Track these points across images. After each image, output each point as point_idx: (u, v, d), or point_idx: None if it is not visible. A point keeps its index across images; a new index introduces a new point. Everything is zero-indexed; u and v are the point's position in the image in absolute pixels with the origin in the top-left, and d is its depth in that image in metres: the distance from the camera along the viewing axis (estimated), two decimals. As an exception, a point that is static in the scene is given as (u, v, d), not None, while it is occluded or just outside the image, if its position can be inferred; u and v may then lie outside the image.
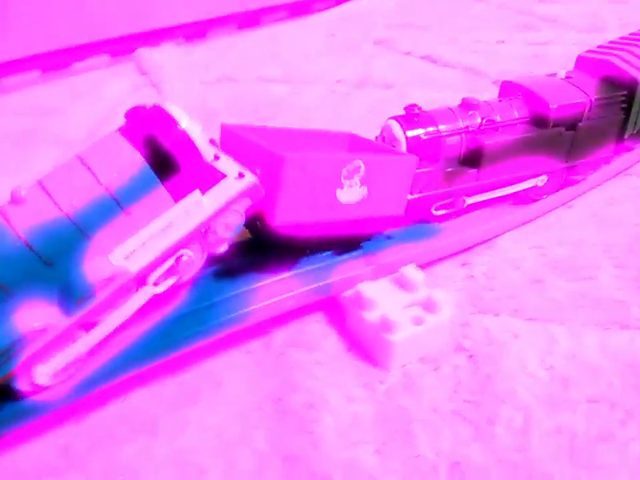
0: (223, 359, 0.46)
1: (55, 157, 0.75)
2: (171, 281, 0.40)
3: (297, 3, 1.36)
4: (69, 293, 0.36)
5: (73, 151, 0.78)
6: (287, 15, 1.36)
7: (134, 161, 0.37)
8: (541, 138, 0.56)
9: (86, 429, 0.41)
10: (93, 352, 0.38)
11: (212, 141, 0.43)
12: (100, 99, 0.89)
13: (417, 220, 0.54)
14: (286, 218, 0.44)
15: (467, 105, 0.55)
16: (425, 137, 0.52)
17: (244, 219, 0.42)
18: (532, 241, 0.57)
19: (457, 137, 0.54)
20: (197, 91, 0.90)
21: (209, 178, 0.41)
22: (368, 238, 0.51)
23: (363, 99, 0.88)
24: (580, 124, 0.57)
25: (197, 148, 0.39)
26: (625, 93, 0.59)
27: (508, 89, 0.60)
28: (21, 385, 0.36)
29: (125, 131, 0.39)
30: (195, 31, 1.25)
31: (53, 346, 0.36)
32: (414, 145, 0.52)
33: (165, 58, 1.01)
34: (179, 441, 0.40)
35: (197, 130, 0.40)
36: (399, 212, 0.51)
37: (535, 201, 0.59)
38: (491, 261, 0.54)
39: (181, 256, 0.40)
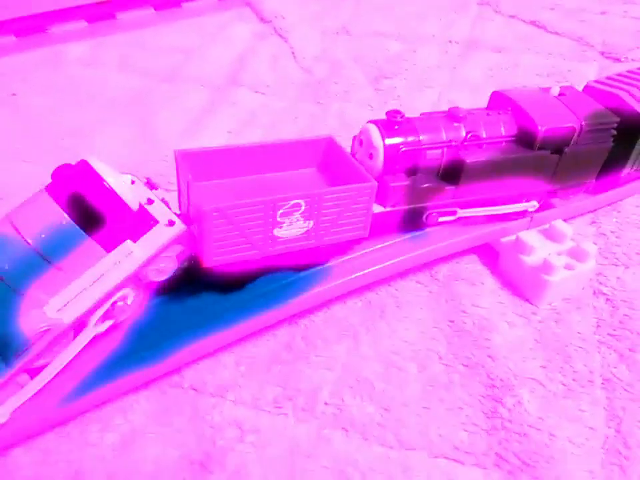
0: (398, 285, 0.55)
1: (203, 96, 0.83)
2: (108, 323, 0.43)
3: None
4: (7, 347, 0.39)
5: (215, 93, 0.86)
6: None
7: (59, 219, 0.39)
8: (526, 160, 0.53)
9: (303, 331, 0.51)
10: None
11: (149, 182, 0.45)
12: (229, 43, 0.96)
13: (390, 232, 0.53)
14: (217, 260, 0.44)
15: (452, 116, 0.52)
16: (404, 149, 0.49)
17: (177, 263, 0.44)
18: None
19: (439, 151, 0.51)
20: (319, 42, 0.96)
21: (141, 223, 0.43)
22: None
23: (476, 62, 0.93)
24: (567, 148, 0.54)
25: (123, 201, 0.41)
26: (617, 120, 0.56)
27: (498, 100, 0.57)
28: None
29: (51, 190, 0.40)
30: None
31: (2, 389, 0.40)
32: (392, 154, 0.49)
33: (280, 5, 1.06)
34: (377, 345, 0.50)
35: (123, 183, 0.42)
36: (361, 235, 0.49)
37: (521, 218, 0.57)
38: (617, 221, 0.62)
39: (116, 301, 0.43)
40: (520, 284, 0.54)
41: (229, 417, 0.44)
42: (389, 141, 0.49)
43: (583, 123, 0.54)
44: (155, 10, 1.17)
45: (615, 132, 0.56)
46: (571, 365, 0.48)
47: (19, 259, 0.38)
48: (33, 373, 0.41)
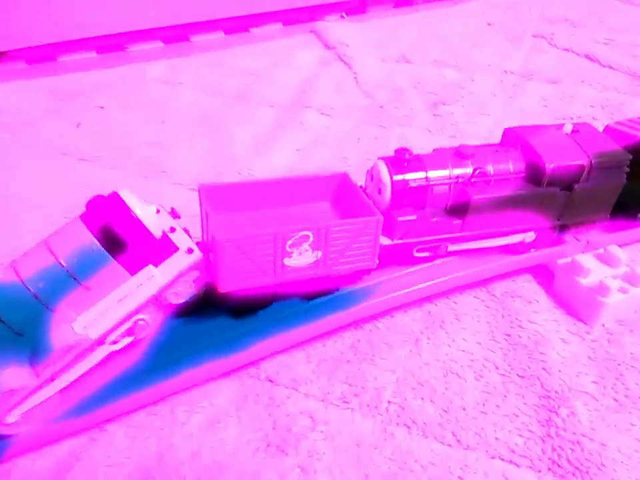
0: (457, 298, 0.59)
1: (272, 116, 0.90)
2: (127, 340, 0.47)
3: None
4: (38, 358, 0.43)
5: (284, 113, 0.92)
6: (438, -3, 1.45)
7: (90, 244, 0.43)
8: (533, 196, 0.54)
9: (368, 335, 0.55)
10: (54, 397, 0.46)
11: (173, 212, 0.49)
12: (296, 67, 1.02)
13: (398, 263, 0.55)
14: (231, 287, 0.47)
15: (460, 153, 0.54)
16: (412, 185, 0.51)
17: (194, 288, 0.48)
18: None
19: (445, 187, 0.53)
20: (381, 69, 1.01)
21: (163, 250, 0.47)
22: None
23: (531, 92, 0.97)
24: (576, 185, 0.55)
25: (147, 230, 0.46)
26: (630, 158, 0.56)
27: (510, 136, 0.58)
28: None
29: (85, 218, 0.44)
30: (355, 7, 1.36)
31: (25, 398, 0.44)
32: (400, 190, 0.51)
33: (343, 33, 1.12)
34: (437, 352, 0.54)
35: (148, 213, 0.46)
36: (369, 266, 0.51)
37: (522, 253, 0.59)
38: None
39: (138, 320, 0.46)
40: (574, 304, 0.57)
41: (301, 408, 0.49)
42: (396, 178, 0.51)
43: (593, 161, 0.54)
44: (225, 34, 1.26)
45: (627, 169, 0.56)
46: (622, 383, 0.51)
47: (52, 278, 0.43)
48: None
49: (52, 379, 0.45)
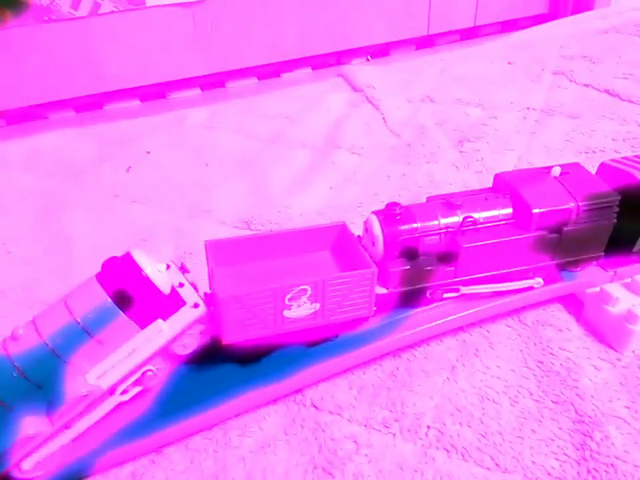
0: (490, 327, 0.62)
1: (305, 156, 0.95)
2: (136, 390, 0.50)
3: (467, 29, 1.51)
4: (53, 407, 0.47)
5: (317, 153, 0.97)
6: (459, 38, 1.51)
7: (104, 301, 0.47)
8: (522, 241, 0.56)
9: (406, 363, 0.58)
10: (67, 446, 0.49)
11: (182, 267, 0.53)
12: (326, 109, 1.08)
13: (395, 309, 0.57)
14: (234, 338, 0.51)
15: (450, 204, 0.56)
16: (403, 237, 0.54)
17: (199, 340, 0.52)
18: None
19: (436, 237, 0.55)
20: (407, 109, 1.07)
21: (171, 304, 0.51)
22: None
23: (553, 127, 1.00)
24: (566, 228, 0.56)
25: (156, 288, 0.48)
26: (619, 198, 0.57)
27: (500, 182, 0.60)
28: (14, 472, 0.47)
29: (100, 277, 0.48)
30: (379, 50, 1.43)
31: (47, 441, 0.48)
32: (391, 242, 0.54)
33: (369, 76, 1.18)
34: (473, 379, 0.56)
35: (157, 271, 0.49)
36: (367, 314, 0.54)
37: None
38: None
39: (146, 371, 0.50)
40: (605, 332, 0.60)
41: (345, 432, 0.52)
42: (387, 231, 0.54)
43: (581, 204, 0.56)
44: (258, 79, 1.34)
45: (617, 209, 0.57)
46: (655, 408, 0.52)
47: (68, 334, 0.47)
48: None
49: (66, 427, 0.48)
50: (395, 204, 0.55)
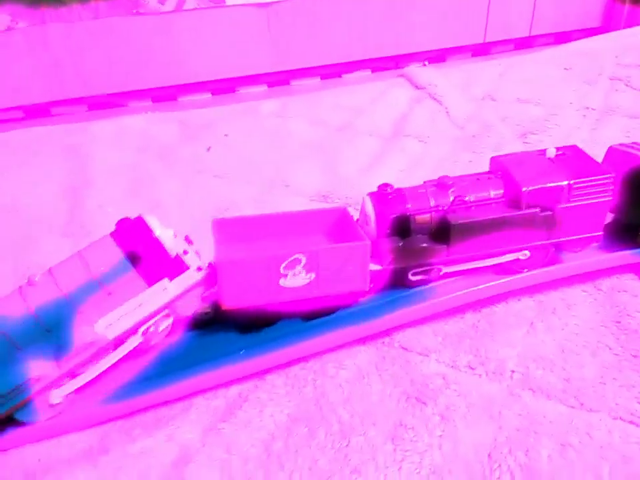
0: (565, 291, 0.65)
1: (374, 143, 1.00)
2: (137, 341, 0.53)
3: (522, 39, 1.56)
4: (62, 352, 0.50)
5: (384, 142, 1.02)
6: (513, 48, 1.56)
7: (117, 256, 0.51)
8: (513, 219, 0.57)
9: (486, 317, 0.62)
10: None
11: (187, 238, 0.56)
12: (390, 104, 1.14)
13: (392, 286, 0.59)
14: (233, 304, 0.53)
15: (441, 184, 0.58)
16: (394, 215, 0.56)
17: (200, 302, 0.56)
18: None
19: (427, 215, 0.57)
20: (469, 106, 1.11)
21: (177, 267, 0.53)
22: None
23: (614, 126, 1.04)
24: (558, 206, 0.58)
25: (164, 249, 0.53)
26: (613, 175, 0.58)
27: (495, 165, 0.62)
28: (41, 410, 0.51)
29: (114, 235, 0.52)
30: (436, 56, 1.49)
31: (52, 385, 0.50)
32: (383, 220, 0.56)
33: (431, 76, 1.24)
34: (552, 333, 0.59)
35: (167, 236, 0.53)
36: (362, 288, 0.56)
37: (517, 273, 0.61)
38: None
39: (149, 327, 0.53)
40: (678, 298, 0.62)
41: (434, 370, 0.55)
42: (379, 209, 0.57)
43: (572, 182, 0.57)
44: (321, 79, 1.41)
45: (612, 187, 0.59)
46: None
47: (81, 283, 0.51)
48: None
49: (76, 371, 0.52)
50: (387, 185, 0.58)
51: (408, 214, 0.57)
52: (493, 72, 1.31)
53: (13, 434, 0.51)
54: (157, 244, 0.53)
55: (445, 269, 0.59)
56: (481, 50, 1.52)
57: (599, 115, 1.08)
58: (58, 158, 0.99)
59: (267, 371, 0.56)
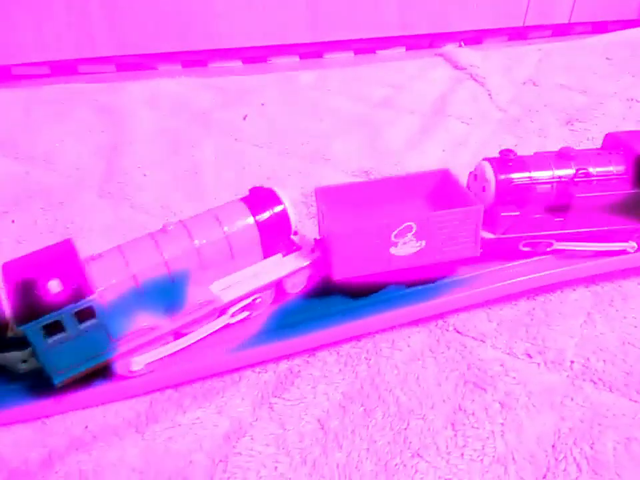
0: (622, 283, 0.62)
1: (416, 121, 0.97)
2: (244, 314, 0.53)
3: (560, 25, 1.51)
4: (175, 309, 0.49)
5: (426, 120, 0.99)
6: (551, 34, 1.52)
7: (247, 221, 0.51)
8: (636, 197, 0.55)
9: (542, 305, 0.60)
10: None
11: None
12: (431, 82, 1.11)
13: (503, 257, 0.57)
14: (344, 275, 0.52)
15: (563, 155, 0.56)
16: (515, 182, 0.54)
17: (306, 283, 0.54)
18: None
19: (548, 186, 0.55)
20: (511, 89, 1.08)
21: (291, 245, 0.54)
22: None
23: (661, 118, 1.01)
24: None
25: (289, 223, 0.52)
26: None
27: (611, 141, 0.60)
28: (119, 369, 0.49)
29: (245, 200, 0.52)
30: (473, 37, 1.45)
31: (152, 343, 0.49)
32: (504, 188, 0.54)
33: (472, 56, 1.20)
34: (610, 325, 0.57)
35: (293, 211, 0.53)
36: (473, 254, 0.54)
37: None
38: None
39: (256, 298, 0.52)
40: None
41: (492, 356, 0.54)
42: (501, 176, 0.54)
43: None
44: (354, 54, 1.37)
45: None
46: None
47: (213, 239, 0.50)
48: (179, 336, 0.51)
49: (181, 331, 0.50)
50: (509, 150, 0.56)
51: (529, 183, 0.54)
52: (532, 57, 1.27)
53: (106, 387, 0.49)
54: (283, 216, 0.52)
55: (557, 245, 0.57)
56: (519, 34, 1.48)
57: (644, 106, 1.05)
58: (92, 116, 0.96)
59: (317, 347, 0.54)
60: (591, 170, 0.56)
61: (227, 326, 0.52)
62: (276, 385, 0.51)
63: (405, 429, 0.47)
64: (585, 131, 0.94)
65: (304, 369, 0.53)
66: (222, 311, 0.52)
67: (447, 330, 0.57)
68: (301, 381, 0.52)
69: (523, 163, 0.55)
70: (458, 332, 0.56)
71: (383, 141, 0.90)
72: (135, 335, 0.48)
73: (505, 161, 0.55)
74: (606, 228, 0.57)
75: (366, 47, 1.37)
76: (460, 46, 1.44)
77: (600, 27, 1.55)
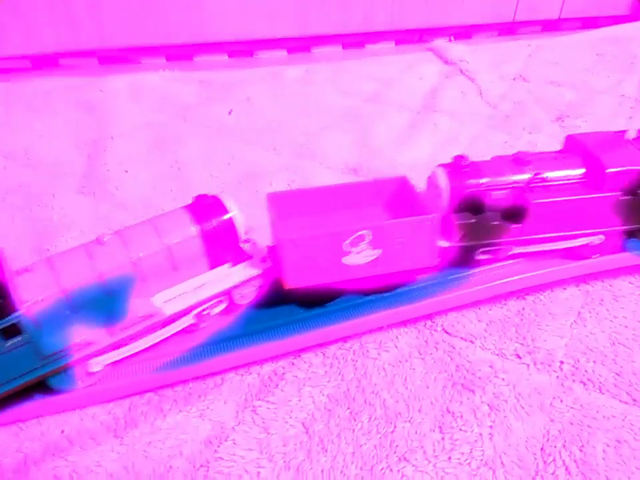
0: (612, 282, 0.61)
1: (405, 117, 0.96)
2: (188, 322, 0.51)
3: (550, 21, 1.51)
4: (115, 321, 0.47)
5: (415, 116, 0.98)
6: (540, 30, 1.51)
7: (189, 231, 0.49)
8: (594, 201, 0.54)
9: (531, 305, 0.59)
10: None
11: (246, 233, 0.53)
12: (420, 77, 1.09)
13: (458, 265, 0.56)
14: (295, 283, 0.51)
15: (519, 160, 0.55)
16: (470, 189, 0.53)
17: (257, 293, 0.52)
18: None
19: (503, 192, 0.53)
20: (501, 84, 1.07)
21: (241, 255, 0.52)
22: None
23: (650, 115, 1.01)
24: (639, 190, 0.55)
25: (237, 232, 0.51)
26: None
27: (571, 144, 0.59)
28: (79, 377, 0.47)
29: (189, 208, 0.50)
30: (462, 32, 1.44)
31: (99, 353, 0.47)
32: (457, 194, 0.53)
33: (461, 51, 1.19)
34: (601, 324, 0.56)
35: (240, 219, 0.51)
36: (430, 263, 0.53)
37: (585, 258, 0.58)
38: None
39: (203, 309, 0.51)
40: None
41: (481, 357, 0.53)
42: (454, 182, 0.53)
43: None
44: (343, 48, 1.35)
45: None
46: None
47: (150, 252, 0.47)
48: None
49: (123, 343, 0.48)
50: (462, 157, 0.54)
51: (484, 189, 0.53)
52: (522, 52, 1.27)
53: (43, 401, 0.47)
54: (230, 225, 0.50)
55: (516, 250, 0.56)
56: (508, 29, 1.47)
57: (634, 103, 1.05)
58: (73, 112, 0.94)
59: (303, 349, 0.53)
60: (548, 174, 0.54)
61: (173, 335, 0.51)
62: (260, 388, 0.50)
63: (392, 432, 0.46)
64: (576, 128, 0.93)
65: (288, 371, 0.51)
66: (166, 322, 0.50)
67: (436, 330, 0.56)
68: (286, 384, 0.50)
69: (477, 169, 0.54)
70: (447, 332, 0.55)
71: (372, 136, 0.89)
72: (73, 349, 0.46)
73: (459, 167, 0.54)
74: (565, 233, 0.56)
75: (355, 41, 1.36)
76: (450, 41, 1.43)
77: (590, 23, 1.54)
